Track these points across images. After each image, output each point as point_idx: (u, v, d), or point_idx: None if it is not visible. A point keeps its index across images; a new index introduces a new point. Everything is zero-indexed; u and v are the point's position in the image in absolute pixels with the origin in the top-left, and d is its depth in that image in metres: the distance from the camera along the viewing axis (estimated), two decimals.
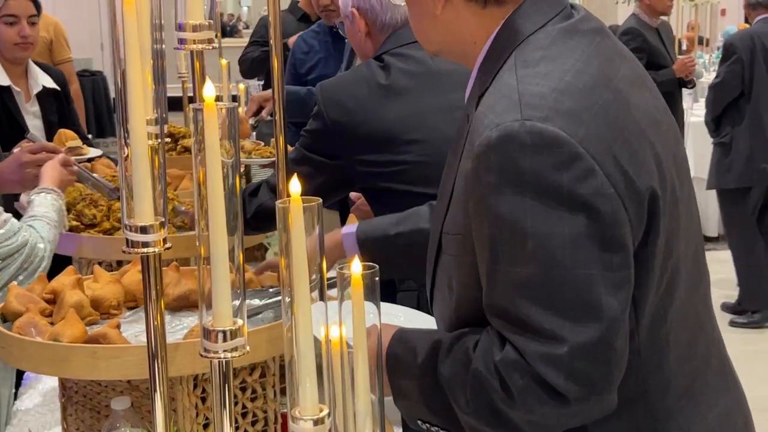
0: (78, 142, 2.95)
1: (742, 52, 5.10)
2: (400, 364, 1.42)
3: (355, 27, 2.34)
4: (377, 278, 1.09)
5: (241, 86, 4.03)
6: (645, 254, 1.30)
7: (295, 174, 2.30)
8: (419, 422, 1.44)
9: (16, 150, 2.66)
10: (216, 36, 3.23)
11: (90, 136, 5.57)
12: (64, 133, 3.05)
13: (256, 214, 2.26)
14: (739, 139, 5.14)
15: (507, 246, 1.26)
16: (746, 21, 6.99)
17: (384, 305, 1.42)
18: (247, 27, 15.59)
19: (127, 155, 1.04)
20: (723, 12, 13.55)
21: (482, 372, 1.29)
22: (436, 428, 1.42)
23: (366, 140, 2.18)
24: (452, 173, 1.42)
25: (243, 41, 7.83)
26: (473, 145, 1.29)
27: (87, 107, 12.94)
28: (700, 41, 9.23)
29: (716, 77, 5.31)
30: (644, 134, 1.33)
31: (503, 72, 1.35)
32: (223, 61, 3.46)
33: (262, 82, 4.46)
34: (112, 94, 13.21)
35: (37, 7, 3.55)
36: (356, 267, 1.04)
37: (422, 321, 1.88)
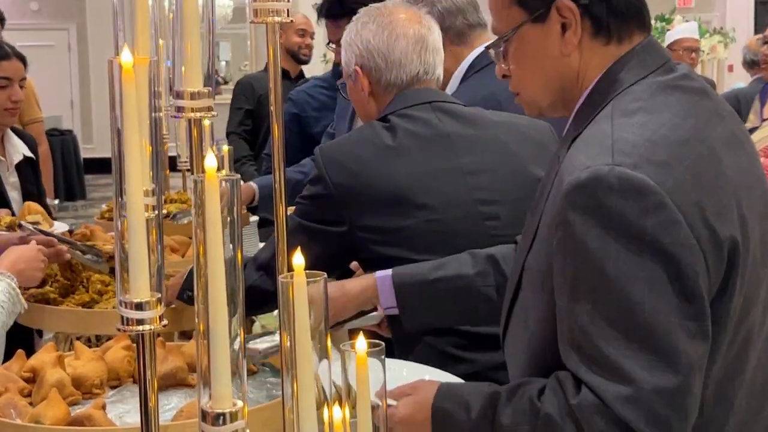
0: (39, 217, 2.93)
1: None
2: (449, 419, 1.48)
3: (358, 86, 2.33)
4: (383, 356, 1.12)
5: (225, 147, 4.05)
6: (719, 309, 1.36)
7: (288, 246, 2.29)
8: None
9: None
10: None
11: (57, 201, 5.56)
12: (29, 206, 3.04)
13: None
14: None
15: (588, 284, 1.34)
16: None
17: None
18: (226, 82, 15.65)
19: (124, 228, 1.06)
20: (730, 68, 13.74)
21: (554, 416, 1.35)
22: None
23: (372, 204, 2.16)
24: (538, 211, 1.51)
25: (222, 97, 7.88)
26: (561, 183, 1.38)
27: (56, 169, 12.91)
28: None
29: None
30: (733, 192, 1.40)
31: (600, 118, 1.45)
32: (206, 123, 3.50)
33: None
34: (83, 155, 13.29)
35: (26, 67, 3.54)
36: (361, 345, 1.06)
37: (425, 373, 1.87)
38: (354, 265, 2.70)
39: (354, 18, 2.37)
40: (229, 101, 5.99)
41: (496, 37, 1.58)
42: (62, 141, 13.13)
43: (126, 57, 1.01)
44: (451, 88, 2.76)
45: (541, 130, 2.29)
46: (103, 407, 1.56)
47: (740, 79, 11.99)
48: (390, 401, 1.51)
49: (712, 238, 1.34)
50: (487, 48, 1.62)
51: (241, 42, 16.54)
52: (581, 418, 1.33)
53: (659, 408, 1.30)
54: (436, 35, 2.31)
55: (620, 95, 1.46)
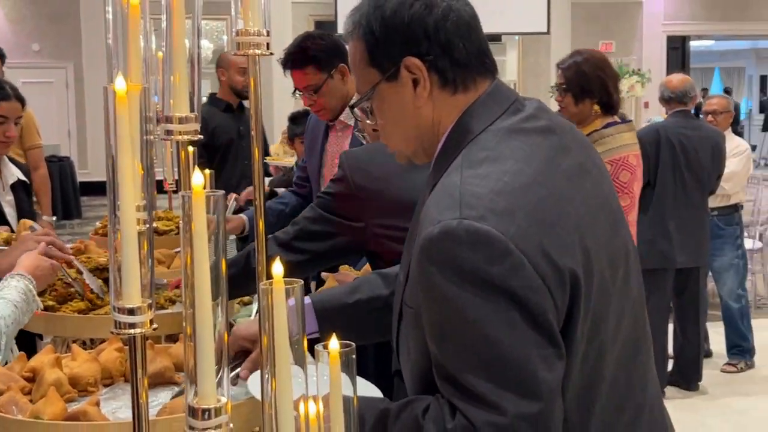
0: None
1: (647, 146, 5.13)
2: None
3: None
4: (353, 356, 1.10)
5: (207, 171, 4.02)
6: (569, 333, 1.35)
7: (309, 232, 2.19)
8: None
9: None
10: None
11: (54, 218, 5.52)
12: (24, 222, 2.99)
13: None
14: (643, 224, 5.24)
15: (452, 328, 1.32)
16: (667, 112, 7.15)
17: None
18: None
19: (118, 240, 1.03)
20: (646, 104, 13.91)
21: None
22: None
23: (388, 206, 2.16)
24: (411, 251, 1.45)
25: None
26: (417, 235, 1.36)
27: (54, 191, 12.86)
28: None
29: None
30: (576, 226, 1.37)
31: (452, 170, 1.41)
32: (191, 148, 3.46)
33: None
34: (79, 178, 13.25)
35: (23, 106, 3.54)
36: (334, 344, 1.05)
37: (365, 389, 1.82)
38: (323, 274, 2.68)
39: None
40: None
41: None
42: (60, 166, 13.17)
43: (120, 84, 0.99)
44: None
45: None
46: (98, 404, 1.52)
47: (655, 114, 12.15)
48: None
49: (556, 275, 1.32)
50: (351, 107, 1.58)
51: (216, 80, 16.46)
52: None
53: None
54: None
55: (470, 144, 1.43)
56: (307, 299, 1.81)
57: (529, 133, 1.44)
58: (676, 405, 5.31)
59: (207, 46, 15.76)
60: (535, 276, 1.29)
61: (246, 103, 5.55)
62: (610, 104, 3.75)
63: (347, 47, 1.54)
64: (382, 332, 1.75)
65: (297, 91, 3.39)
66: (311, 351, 1.91)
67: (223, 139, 5.41)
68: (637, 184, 3.75)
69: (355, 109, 1.55)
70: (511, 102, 1.48)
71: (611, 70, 3.88)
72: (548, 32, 14.29)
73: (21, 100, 3.49)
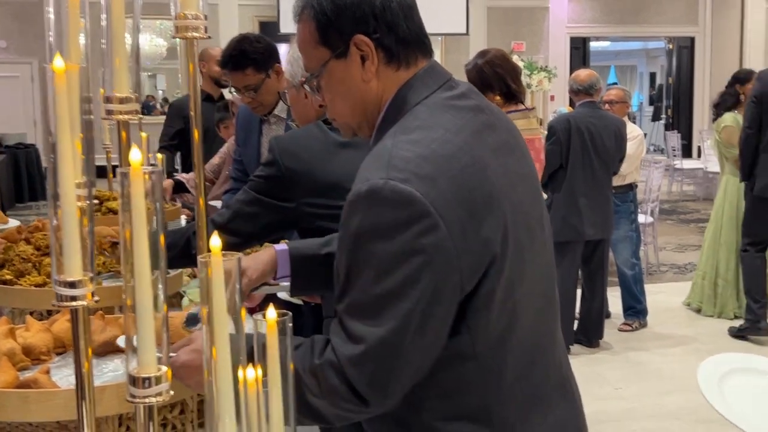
0: None
1: (560, 133, 5.27)
2: None
3: (301, 93, 2.25)
4: (290, 324, 1.03)
5: (159, 155, 3.91)
6: (482, 296, 1.32)
7: (244, 214, 2.10)
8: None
9: None
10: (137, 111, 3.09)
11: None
12: None
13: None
14: (557, 202, 5.31)
15: (355, 275, 1.29)
16: (571, 104, 7.22)
17: None
18: (162, 106, 15.54)
19: (58, 216, 0.95)
20: (552, 97, 14.04)
21: (299, 372, 1.29)
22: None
23: (316, 186, 2.11)
24: None
25: (159, 118, 7.71)
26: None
27: (21, 175, 12.59)
28: (539, 122, 9.48)
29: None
30: (495, 195, 1.34)
31: (387, 136, 1.37)
32: (143, 134, 3.35)
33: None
34: (44, 164, 12.93)
35: None
36: (271, 314, 0.98)
37: None
38: None
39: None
40: (163, 121, 5.85)
41: None
42: (26, 153, 12.92)
43: (58, 63, 0.90)
44: None
45: None
46: (47, 372, 1.42)
47: (559, 105, 12.26)
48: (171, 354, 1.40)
49: (469, 238, 1.29)
50: (302, 84, 1.51)
51: (174, 75, 16.24)
52: (320, 373, 1.28)
53: (379, 372, 1.27)
54: None
55: (407, 115, 1.40)
56: (285, 246, 1.76)
57: (461, 109, 1.41)
58: (582, 360, 5.35)
59: (162, 44, 15.45)
60: (447, 238, 1.26)
61: (225, 93, 5.46)
62: (510, 93, 3.97)
63: (296, 28, 1.46)
64: None
65: (236, 90, 3.29)
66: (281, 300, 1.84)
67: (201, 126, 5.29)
68: (539, 165, 3.80)
69: (305, 86, 1.48)
70: (446, 80, 1.45)
71: (509, 65, 4.05)
72: (467, 33, 14.32)
73: None
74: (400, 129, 1.36)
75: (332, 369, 1.27)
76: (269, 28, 13.69)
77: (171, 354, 1.40)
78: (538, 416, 1.45)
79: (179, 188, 4.35)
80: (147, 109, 14.74)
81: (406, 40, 1.42)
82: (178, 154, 5.34)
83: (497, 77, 3.90)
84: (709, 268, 6.24)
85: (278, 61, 3.19)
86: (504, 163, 1.40)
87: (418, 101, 1.40)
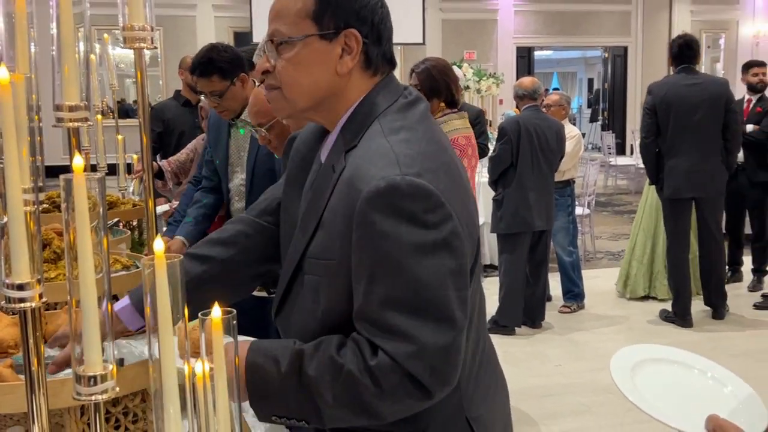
0: None
1: (511, 134, 5.30)
2: (261, 371, 1.30)
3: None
4: (235, 322, 0.99)
5: (135, 156, 3.83)
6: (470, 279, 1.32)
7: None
8: (274, 418, 1.33)
9: None
10: (114, 116, 3.01)
11: None
12: None
13: None
14: (508, 197, 5.32)
15: (384, 271, 1.22)
16: (517, 107, 7.22)
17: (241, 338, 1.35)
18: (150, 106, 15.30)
19: (5, 220, 0.89)
20: (501, 101, 14.05)
21: (354, 373, 1.23)
22: (293, 420, 1.33)
23: None
24: (317, 209, 1.34)
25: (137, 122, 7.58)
26: (353, 189, 1.25)
27: None
28: (489, 123, 9.49)
29: (493, 152, 5.48)
30: (467, 191, 1.36)
31: (372, 135, 1.32)
32: (120, 137, 3.27)
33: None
34: None
35: None
36: (216, 312, 0.93)
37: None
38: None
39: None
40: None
41: None
42: None
43: (2, 73, 0.84)
44: None
45: None
46: (11, 365, 1.35)
47: (507, 108, 12.28)
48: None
49: (469, 228, 1.30)
50: (270, 41, 1.36)
51: (155, 81, 15.97)
52: (379, 375, 1.22)
53: (439, 364, 1.23)
54: None
55: (381, 117, 1.34)
56: (126, 301, 1.49)
57: (423, 113, 1.39)
58: (526, 340, 5.36)
59: (145, 53, 15.22)
60: (459, 226, 1.25)
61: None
62: (453, 102, 3.92)
63: None
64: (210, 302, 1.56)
65: (203, 95, 3.23)
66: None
67: (178, 130, 5.22)
68: (466, 160, 3.77)
69: (269, 42, 1.36)
70: (403, 88, 1.42)
71: (453, 74, 4.02)
72: (423, 43, 14.26)
73: None
74: (386, 130, 1.32)
75: (390, 367, 1.22)
76: (243, 38, 13.54)
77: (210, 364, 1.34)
78: (486, 393, 1.45)
79: (157, 175, 4.26)
80: (132, 113, 14.50)
81: (384, 54, 1.38)
82: (159, 155, 5.25)
83: (445, 84, 3.86)
84: (636, 255, 6.29)
85: (244, 70, 3.13)
86: (458, 162, 1.40)
87: (387, 106, 1.36)
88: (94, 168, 3.31)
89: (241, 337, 1.56)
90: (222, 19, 14.71)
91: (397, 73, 1.48)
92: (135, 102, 16.03)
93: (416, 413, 1.31)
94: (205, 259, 1.55)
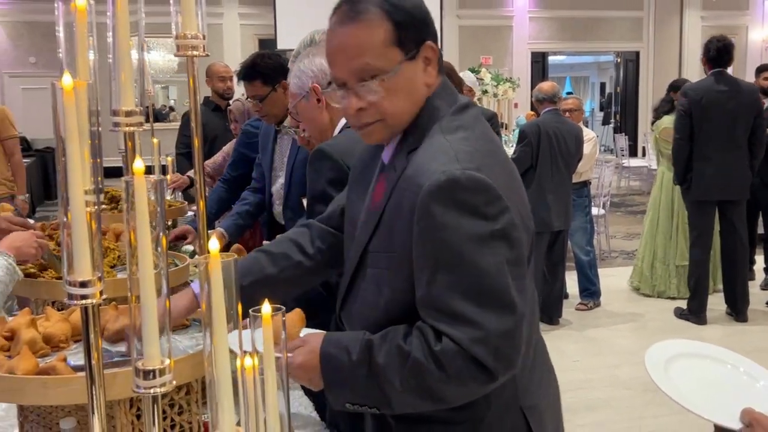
0: (8, 214, 2.67)
1: (531, 137, 5.31)
2: (333, 361, 1.34)
3: (312, 101, 2.11)
4: (284, 318, 0.99)
5: (169, 158, 3.86)
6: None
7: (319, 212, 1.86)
8: (347, 405, 1.37)
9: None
10: (149, 120, 3.05)
11: (28, 195, 5.40)
12: (2, 206, 2.74)
13: None
14: (528, 198, 5.29)
15: (446, 260, 1.24)
16: (532, 109, 7.21)
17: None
18: (173, 110, 15.48)
19: (68, 220, 0.89)
20: (516, 105, 14.00)
21: (420, 359, 1.25)
22: (365, 407, 1.36)
23: None
24: (378, 206, 1.38)
25: (171, 124, 7.63)
26: (414, 185, 1.27)
27: (48, 175, 12.46)
28: (503, 126, 9.48)
29: (513, 154, 5.46)
30: (521, 184, 1.40)
31: (432, 136, 1.33)
32: (155, 140, 3.29)
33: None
34: (57, 167, 12.86)
35: None
36: (266, 308, 0.93)
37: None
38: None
39: (300, 54, 2.18)
40: (176, 127, 5.79)
41: None
42: (54, 156, 12.69)
43: (66, 80, 0.85)
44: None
45: None
46: (64, 359, 1.36)
47: (522, 113, 12.23)
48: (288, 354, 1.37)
49: (524, 221, 1.32)
50: (367, 80, 1.31)
51: (184, 87, 16.07)
52: (443, 359, 1.24)
53: (503, 347, 1.24)
54: None
55: (442, 118, 1.36)
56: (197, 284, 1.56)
57: (476, 114, 1.42)
58: (544, 336, 5.32)
59: (173, 59, 15.32)
60: (515, 217, 1.27)
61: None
62: None
63: (348, 30, 1.30)
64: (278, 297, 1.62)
65: (248, 98, 3.27)
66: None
67: (210, 134, 5.28)
68: None
69: (356, 81, 1.32)
70: (456, 93, 1.44)
71: (457, 77, 4.02)
72: (441, 48, 14.23)
73: None
74: (444, 130, 1.34)
75: (455, 352, 1.24)
76: (267, 45, 13.58)
77: (288, 354, 1.37)
78: (539, 384, 1.47)
79: (193, 184, 4.32)
80: (161, 117, 14.60)
81: (441, 57, 1.41)
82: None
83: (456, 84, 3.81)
84: (648, 253, 6.25)
85: (286, 77, 3.14)
86: (510, 161, 1.44)
87: (447, 107, 1.37)
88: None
89: (310, 330, 1.59)
90: (247, 26, 14.77)
91: None
92: (164, 106, 16.15)
93: (474, 402, 1.33)
94: (280, 258, 1.61)
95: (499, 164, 1.31)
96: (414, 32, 1.33)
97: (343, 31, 1.31)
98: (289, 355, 1.38)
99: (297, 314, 1.54)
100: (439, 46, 1.38)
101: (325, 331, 1.43)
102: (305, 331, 1.52)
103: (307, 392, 2.13)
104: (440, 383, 1.26)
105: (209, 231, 3.25)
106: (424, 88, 1.35)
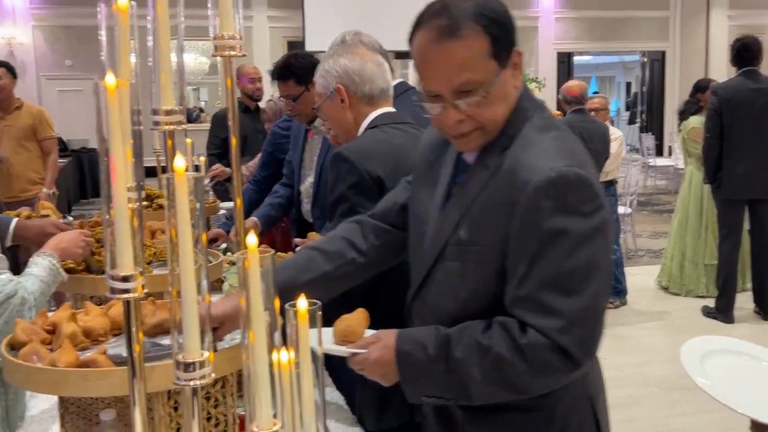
0: (50, 211, 2.70)
1: None
2: (409, 357, 1.38)
3: (336, 101, 2.10)
4: (319, 312, 1.00)
5: (202, 158, 3.89)
6: None
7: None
8: (424, 398, 1.41)
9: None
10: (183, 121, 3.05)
11: (55, 191, 5.48)
12: (42, 203, 2.78)
13: None
14: None
15: (547, 254, 1.26)
16: (559, 108, 7.16)
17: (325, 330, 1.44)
18: (203, 111, 15.63)
19: (111, 216, 0.91)
20: None
21: (504, 354, 1.28)
22: (442, 400, 1.39)
23: (395, 186, 1.89)
24: (464, 203, 1.39)
25: (202, 125, 7.70)
26: (517, 180, 1.29)
27: (84, 175, 12.63)
28: None
29: None
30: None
31: (526, 135, 1.36)
32: (188, 140, 3.32)
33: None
34: (101, 166, 13.02)
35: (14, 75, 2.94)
36: (302, 304, 0.94)
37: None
38: (299, 240, 2.54)
39: (326, 55, 2.18)
40: (207, 128, 5.82)
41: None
42: (90, 156, 12.92)
43: (110, 80, 0.86)
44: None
45: None
46: (104, 352, 1.38)
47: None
48: (360, 350, 1.45)
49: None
50: (467, 94, 1.33)
51: (214, 88, 16.24)
52: (529, 352, 1.27)
53: (587, 336, 1.28)
54: (387, 64, 2.14)
55: (531, 119, 1.39)
56: None
57: (551, 115, 1.46)
58: None
59: (204, 62, 15.43)
60: (609, 213, 1.31)
61: (261, 104, 5.45)
62: None
63: (446, 46, 1.30)
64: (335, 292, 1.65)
65: (281, 98, 3.31)
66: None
67: (241, 134, 5.30)
68: None
69: (457, 94, 1.34)
70: (532, 95, 1.48)
71: None
72: None
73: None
74: (537, 129, 1.37)
75: (541, 344, 1.27)
76: (296, 47, 13.64)
77: (361, 350, 1.45)
78: (598, 374, 1.52)
79: (230, 177, 4.41)
80: (192, 118, 14.74)
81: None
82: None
83: None
84: (677, 252, 6.18)
85: None
86: None
87: (532, 109, 1.41)
88: (164, 170, 3.38)
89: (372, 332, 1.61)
90: (276, 29, 14.84)
91: None
92: (195, 107, 16.28)
93: (550, 391, 1.36)
94: (334, 256, 1.64)
95: (588, 162, 1.35)
96: (506, 42, 1.35)
97: (441, 48, 1.31)
98: (364, 351, 1.43)
99: (362, 314, 1.57)
100: None
101: (396, 329, 1.46)
102: (369, 331, 1.55)
103: (338, 387, 2.14)
104: (524, 375, 1.29)
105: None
106: (515, 91, 1.39)
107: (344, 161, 1.96)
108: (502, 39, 1.33)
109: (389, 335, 1.42)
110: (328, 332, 1.58)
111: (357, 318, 1.56)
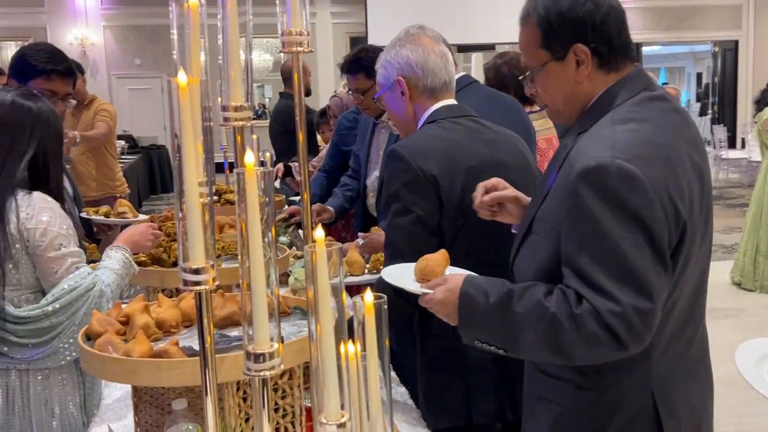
0: (126, 209, 2.77)
1: None
2: (472, 301, 1.47)
3: (397, 93, 2.07)
4: (385, 306, 1.00)
5: (267, 154, 3.95)
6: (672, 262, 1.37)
7: (404, 231, 1.92)
8: (476, 342, 1.49)
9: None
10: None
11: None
12: (120, 201, 2.84)
13: None
14: None
15: (590, 239, 1.33)
16: None
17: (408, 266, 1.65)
18: (265, 108, 15.88)
19: (183, 211, 0.93)
20: None
21: (559, 317, 1.34)
22: (493, 347, 1.48)
23: (451, 184, 1.92)
24: (548, 180, 1.49)
25: (266, 122, 7.81)
26: (571, 165, 1.36)
27: (153, 171, 12.96)
28: None
29: None
30: (688, 184, 1.40)
31: (602, 123, 1.42)
32: (254, 136, 3.37)
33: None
34: (172, 162, 13.32)
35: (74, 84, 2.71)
36: (369, 297, 0.95)
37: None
38: (363, 234, 2.56)
39: (388, 45, 2.13)
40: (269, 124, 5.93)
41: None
42: (158, 153, 13.24)
43: (181, 77, 0.88)
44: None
45: (522, 141, 2.19)
46: (177, 343, 1.42)
47: None
48: (428, 290, 1.54)
49: (674, 216, 1.34)
50: (522, 79, 1.55)
51: (279, 85, 16.42)
52: (580, 321, 1.32)
53: (636, 323, 1.31)
54: (450, 55, 2.11)
55: (616, 108, 1.43)
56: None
57: (663, 109, 1.46)
58: None
59: (268, 59, 15.63)
60: (660, 211, 1.32)
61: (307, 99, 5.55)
62: (525, 97, 3.49)
63: (520, 31, 1.51)
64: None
65: (350, 92, 3.31)
66: None
67: (293, 126, 5.39)
68: (547, 163, 3.56)
69: (527, 77, 1.54)
70: (648, 84, 1.49)
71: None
72: None
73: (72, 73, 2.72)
74: (615, 120, 1.41)
75: (592, 318, 1.31)
76: (359, 43, 13.70)
77: (429, 290, 1.54)
78: (681, 381, 1.49)
79: (288, 173, 4.45)
80: (256, 115, 15.00)
81: (617, 49, 1.47)
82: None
83: (514, 78, 3.49)
84: (750, 247, 5.99)
85: None
86: (691, 157, 1.44)
87: (626, 98, 1.45)
88: (231, 166, 3.45)
89: (456, 269, 1.69)
90: (339, 25, 14.94)
91: None
92: (260, 104, 16.52)
93: (604, 372, 1.41)
94: None
95: (662, 159, 1.35)
96: (562, 35, 1.45)
97: (519, 29, 1.52)
98: (432, 291, 1.52)
99: (442, 254, 1.66)
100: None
101: (468, 272, 1.58)
102: (449, 270, 1.65)
103: (403, 380, 2.15)
104: (573, 342, 1.34)
105: (323, 205, 3.38)
106: (577, 85, 1.46)
107: (399, 159, 1.93)
108: (556, 33, 1.44)
109: (457, 278, 1.52)
110: (410, 268, 1.65)
111: (437, 258, 1.64)
